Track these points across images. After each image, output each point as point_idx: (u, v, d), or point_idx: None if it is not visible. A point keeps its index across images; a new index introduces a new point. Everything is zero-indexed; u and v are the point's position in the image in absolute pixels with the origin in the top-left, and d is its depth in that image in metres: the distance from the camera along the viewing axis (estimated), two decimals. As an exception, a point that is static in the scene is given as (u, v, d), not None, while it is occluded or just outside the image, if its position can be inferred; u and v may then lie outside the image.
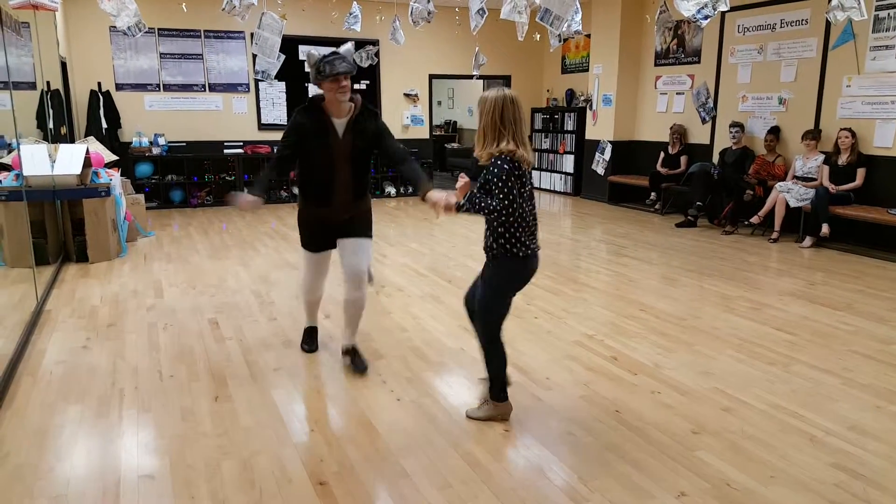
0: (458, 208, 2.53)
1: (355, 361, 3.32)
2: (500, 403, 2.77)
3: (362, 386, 3.14)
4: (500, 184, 2.43)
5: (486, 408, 2.80)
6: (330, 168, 3.05)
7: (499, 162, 2.44)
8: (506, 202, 2.43)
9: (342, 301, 3.29)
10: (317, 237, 3.21)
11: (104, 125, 8.22)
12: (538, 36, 8.04)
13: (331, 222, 3.15)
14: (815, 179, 6.43)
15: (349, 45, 3.04)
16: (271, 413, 2.86)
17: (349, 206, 3.12)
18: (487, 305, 2.65)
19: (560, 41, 5.70)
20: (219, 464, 2.45)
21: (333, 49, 3.01)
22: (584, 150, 9.68)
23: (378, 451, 2.54)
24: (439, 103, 14.43)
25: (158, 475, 2.37)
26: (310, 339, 3.60)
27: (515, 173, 2.44)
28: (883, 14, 5.99)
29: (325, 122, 3.01)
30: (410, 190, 10.01)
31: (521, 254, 2.53)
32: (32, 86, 5.45)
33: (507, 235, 2.51)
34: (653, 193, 8.50)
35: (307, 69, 3.23)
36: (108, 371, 3.31)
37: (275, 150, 2.98)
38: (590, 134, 9.55)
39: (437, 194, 2.67)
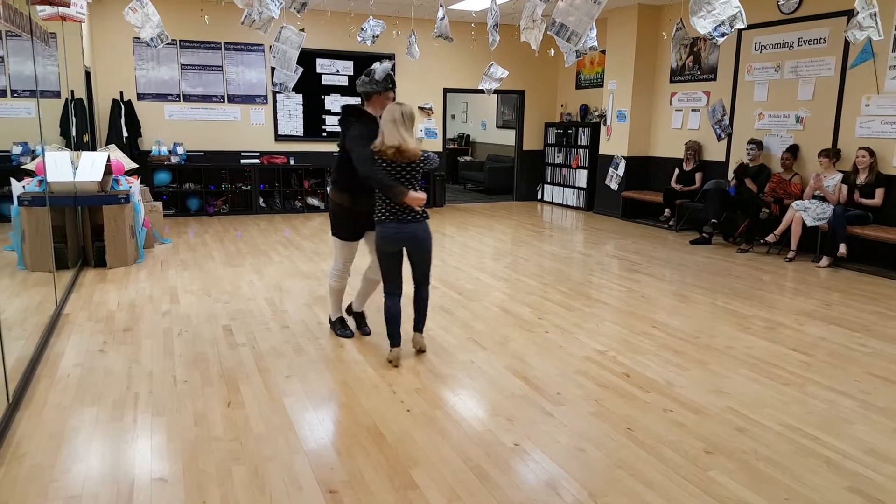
0: None
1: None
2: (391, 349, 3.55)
3: (374, 396, 3.15)
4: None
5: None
6: None
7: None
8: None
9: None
10: (360, 228, 3.76)
11: (125, 133, 8.36)
12: (552, 51, 8.08)
13: (370, 214, 3.67)
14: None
15: (387, 64, 3.79)
16: (283, 420, 2.87)
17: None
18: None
19: (577, 57, 5.73)
20: (230, 469, 2.46)
21: (383, 66, 3.79)
22: (598, 165, 9.68)
23: (388, 461, 2.54)
24: (453, 117, 14.51)
25: (171, 478, 2.39)
26: (343, 325, 4.06)
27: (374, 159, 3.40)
28: (902, 34, 5.97)
29: (378, 126, 3.55)
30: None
31: (385, 219, 3.42)
32: (57, 94, 5.56)
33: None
34: (667, 210, 8.47)
35: (357, 83, 3.85)
36: (123, 375, 3.35)
37: (357, 159, 3.50)
38: (603, 149, 9.55)
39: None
